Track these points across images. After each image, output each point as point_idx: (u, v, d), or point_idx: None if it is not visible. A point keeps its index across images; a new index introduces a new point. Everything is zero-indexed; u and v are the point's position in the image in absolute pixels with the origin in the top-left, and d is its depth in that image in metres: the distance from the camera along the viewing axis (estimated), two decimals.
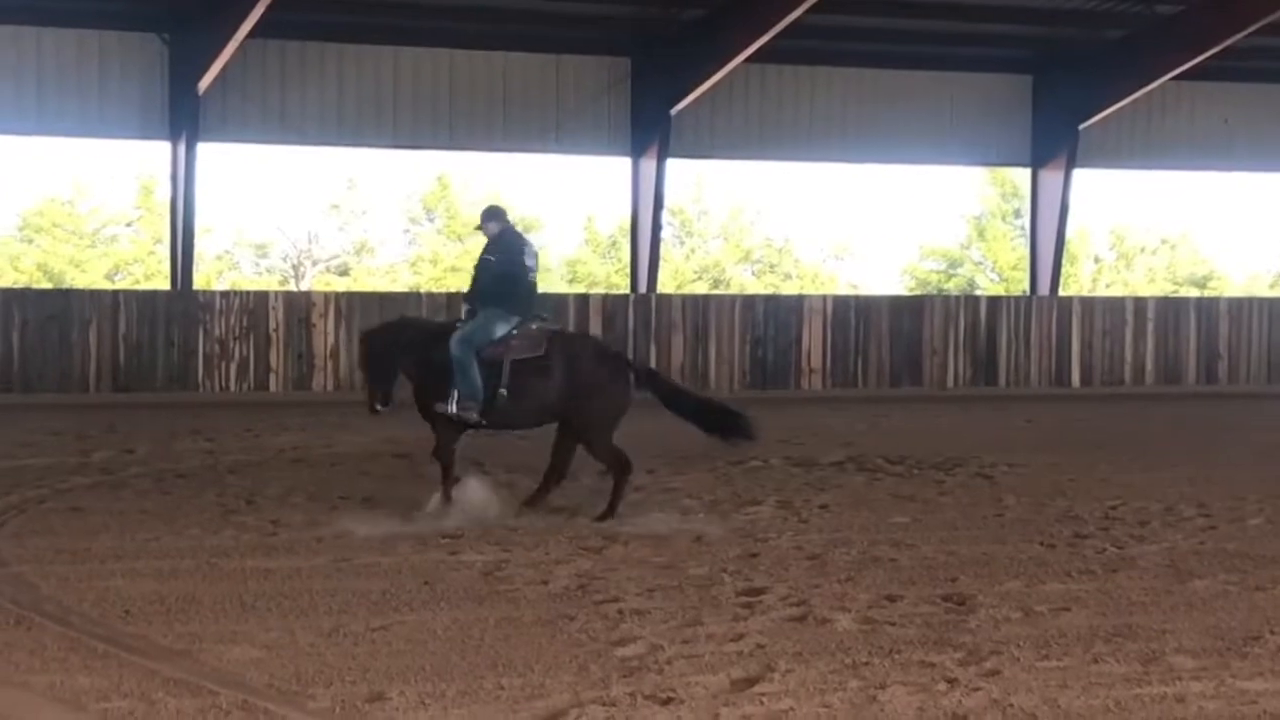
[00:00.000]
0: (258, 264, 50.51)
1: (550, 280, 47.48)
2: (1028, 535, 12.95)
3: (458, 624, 9.42)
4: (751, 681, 8.22)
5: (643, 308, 28.76)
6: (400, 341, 14.13)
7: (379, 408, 14.00)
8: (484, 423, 13.80)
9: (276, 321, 26.83)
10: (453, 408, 13.61)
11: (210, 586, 10.46)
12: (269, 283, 48.13)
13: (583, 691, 7.96)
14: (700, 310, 29.34)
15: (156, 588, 10.37)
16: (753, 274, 52.17)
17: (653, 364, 28.13)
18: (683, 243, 51.60)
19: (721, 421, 14.12)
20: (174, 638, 9.02)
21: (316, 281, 48.39)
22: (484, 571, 11.10)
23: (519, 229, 14.99)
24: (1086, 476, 16.82)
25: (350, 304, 27.54)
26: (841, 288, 49.34)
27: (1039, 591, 10.60)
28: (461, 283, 44.37)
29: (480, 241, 14.78)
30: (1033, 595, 10.46)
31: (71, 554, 11.60)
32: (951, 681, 8.25)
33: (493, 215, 14.40)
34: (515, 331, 13.79)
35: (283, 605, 9.92)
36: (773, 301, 31.49)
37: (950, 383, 30.33)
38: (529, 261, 14.14)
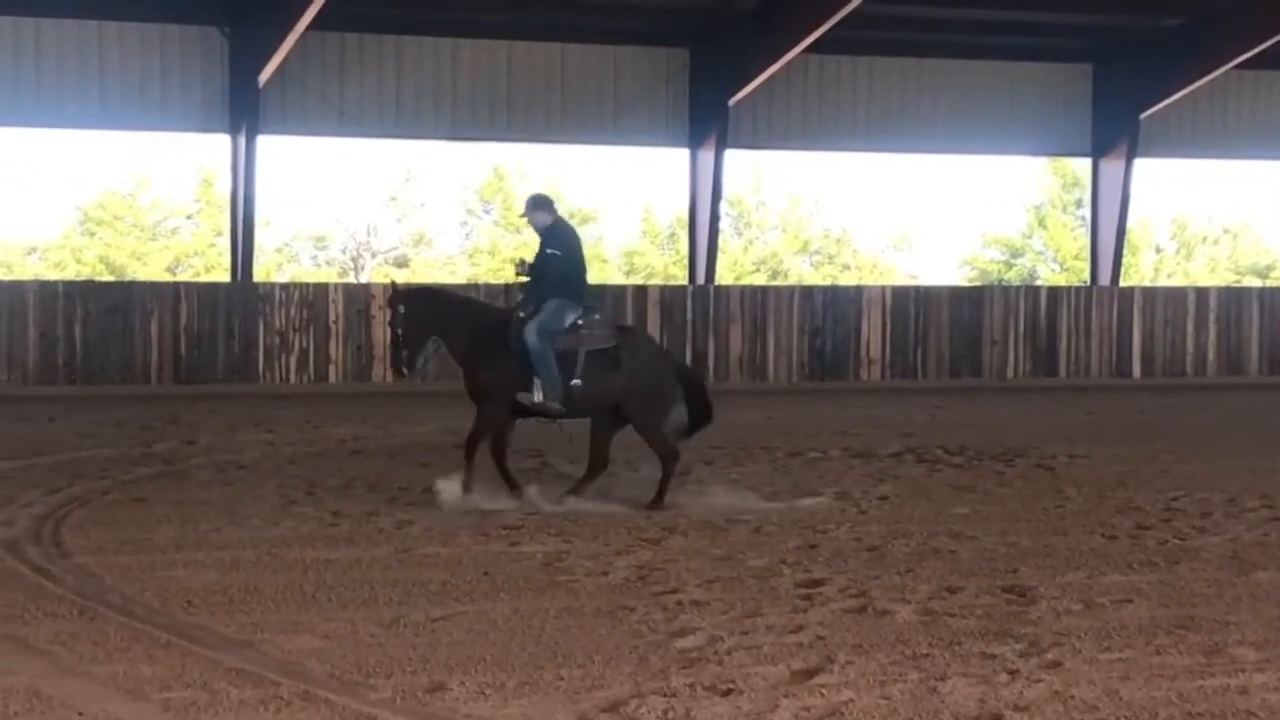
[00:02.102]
0: (316, 256, 50.75)
1: (607, 271, 47.47)
2: (1089, 527, 12.87)
3: (518, 615, 9.44)
4: (811, 673, 8.20)
5: (701, 299, 28.74)
6: (449, 317, 14.26)
7: (405, 372, 14.34)
8: (564, 411, 13.93)
9: (336, 313, 26.94)
10: (538, 397, 13.74)
11: (271, 577, 10.52)
12: (328, 275, 48.29)
13: (643, 682, 7.96)
14: (758, 301, 29.30)
15: (218, 578, 10.43)
16: (811, 265, 52.03)
17: (711, 355, 28.23)
18: (741, 234, 51.52)
19: (703, 419, 14.37)
20: (236, 628, 9.07)
21: (375, 273, 48.53)
22: (544, 562, 11.12)
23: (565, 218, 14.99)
24: (1148, 467, 16.73)
25: None
26: (900, 278, 49.12)
27: (1100, 583, 10.54)
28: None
29: (528, 231, 14.81)
30: (1094, 587, 10.40)
31: (134, 545, 11.68)
32: (1012, 673, 8.21)
33: (542, 204, 14.38)
34: (581, 322, 13.91)
35: (343, 596, 9.96)
36: (831, 292, 31.43)
37: (1010, 373, 30.21)
38: (582, 252, 14.43)
